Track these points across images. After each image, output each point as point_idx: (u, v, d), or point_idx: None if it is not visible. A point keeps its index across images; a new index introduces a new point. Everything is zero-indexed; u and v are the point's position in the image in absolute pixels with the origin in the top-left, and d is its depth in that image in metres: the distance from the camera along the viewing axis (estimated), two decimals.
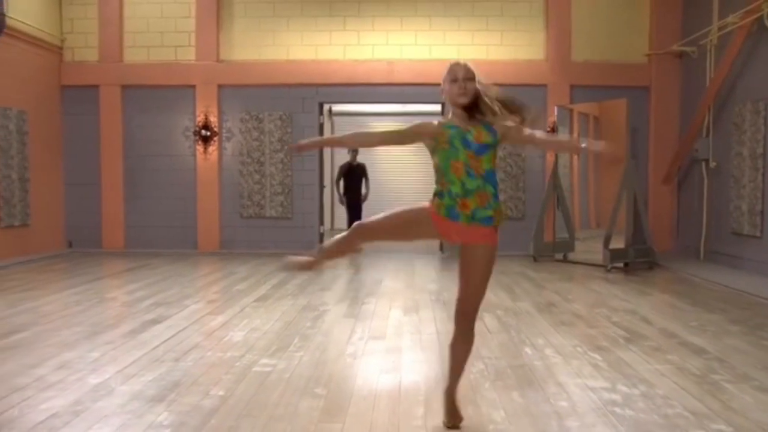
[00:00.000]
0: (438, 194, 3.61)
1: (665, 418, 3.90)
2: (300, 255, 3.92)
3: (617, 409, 4.05)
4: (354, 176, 12.20)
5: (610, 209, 13.61)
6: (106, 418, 3.87)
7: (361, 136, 4.27)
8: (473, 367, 4.92)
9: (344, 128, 15.73)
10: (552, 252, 11.23)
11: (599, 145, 3.94)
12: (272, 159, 12.06)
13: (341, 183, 12.23)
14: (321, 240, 12.34)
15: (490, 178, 3.56)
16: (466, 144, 3.53)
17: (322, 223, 12.46)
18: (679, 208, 11.76)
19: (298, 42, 12.01)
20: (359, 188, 12.25)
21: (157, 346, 5.48)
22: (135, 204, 12.18)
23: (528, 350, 5.44)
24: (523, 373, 4.81)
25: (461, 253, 3.67)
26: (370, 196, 12.44)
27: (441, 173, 3.60)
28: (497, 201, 3.59)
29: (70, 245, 12.24)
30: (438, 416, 3.91)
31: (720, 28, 10.06)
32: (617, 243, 10.03)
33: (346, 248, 3.92)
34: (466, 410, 4.02)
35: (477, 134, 3.55)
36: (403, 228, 3.81)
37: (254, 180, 12.08)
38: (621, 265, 10.00)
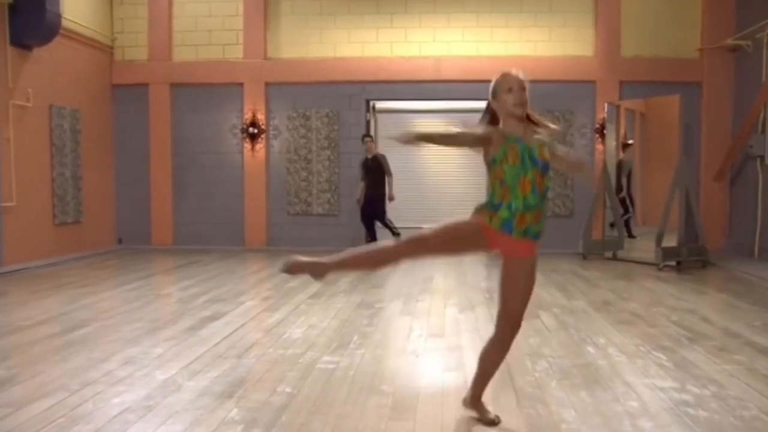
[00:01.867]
0: (494, 206, 3.53)
1: (741, 420, 3.83)
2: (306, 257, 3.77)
3: (690, 410, 3.98)
4: (369, 171, 11.33)
5: (656, 206, 13.41)
6: (177, 414, 3.91)
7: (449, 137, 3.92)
8: (537, 365, 4.90)
9: (388, 126, 15.72)
10: (601, 250, 11.10)
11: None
12: (319, 156, 12.10)
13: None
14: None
15: (547, 195, 3.62)
16: (533, 161, 3.50)
17: None
18: (731, 206, 11.53)
19: (345, 39, 12.04)
20: (376, 184, 11.29)
21: (219, 343, 5.53)
22: (183, 201, 12.31)
23: (590, 349, 5.38)
24: (589, 372, 4.76)
25: (506, 265, 3.64)
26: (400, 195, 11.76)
27: (506, 187, 3.50)
28: (545, 217, 3.64)
29: (120, 242, 12.42)
30: (508, 415, 3.89)
31: None
32: (668, 241, 9.87)
33: (379, 262, 3.84)
34: (535, 408, 4.02)
35: (540, 151, 3.53)
36: (453, 243, 3.72)
37: (301, 177, 12.13)
38: (673, 263, 9.83)
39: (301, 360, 5.04)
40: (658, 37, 11.57)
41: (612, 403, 4.12)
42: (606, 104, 11.34)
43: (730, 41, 11.04)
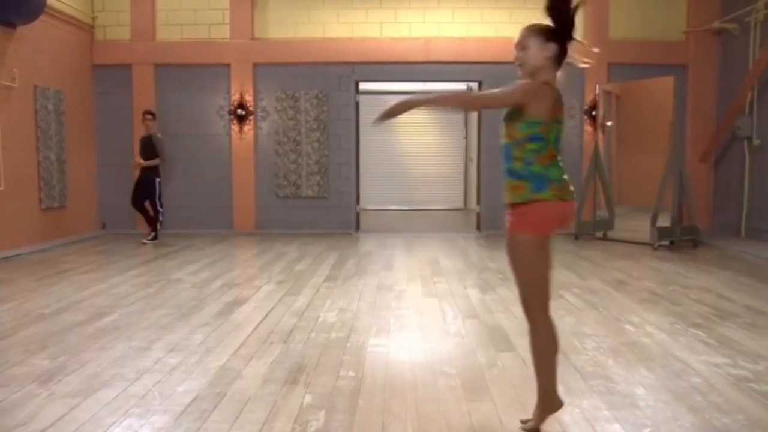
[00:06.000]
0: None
1: None
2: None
3: (754, 385, 4.06)
4: (143, 150, 10.91)
5: (632, 187, 13.59)
6: (252, 401, 3.83)
7: (464, 96, 3.73)
8: (586, 344, 4.94)
9: (369, 108, 15.61)
10: (592, 230, 11.24)
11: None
12: (308, 138, 11.95)
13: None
14: (358, 219, 12.30)
15: (505, 153, 3.33)
16: None
17: (358, 202, 12.38)
18: (715, 186, 11.78)
19: (334, 19, 11.87)
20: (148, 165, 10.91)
21: (257, 328, 5.45)
22: (169, 185, 12.00)
23: (629, 327, 5.45)
24: (638, 349, 4.82)
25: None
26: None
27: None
28: (511, 178, 3.31)
29: (104, 227, 12.10)
30: (580, 393, 3.92)
31: (767, 5, 10.03)
32: (644, 219, 10.10)
33: None
34: (605, 386, 4.05)
35: None
36: None
37: (290, 159, 11.98)
38: (667, 243, 10.04)
39: (348, 344, 4.99)
40: (646, 20, 11.69)
41: (675, 380, 4.17)
42: (597, 86, 11.44)
43: (716, 24, 11.22)
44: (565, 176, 3.32)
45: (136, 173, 11.10)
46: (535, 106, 3.19)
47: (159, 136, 10.98)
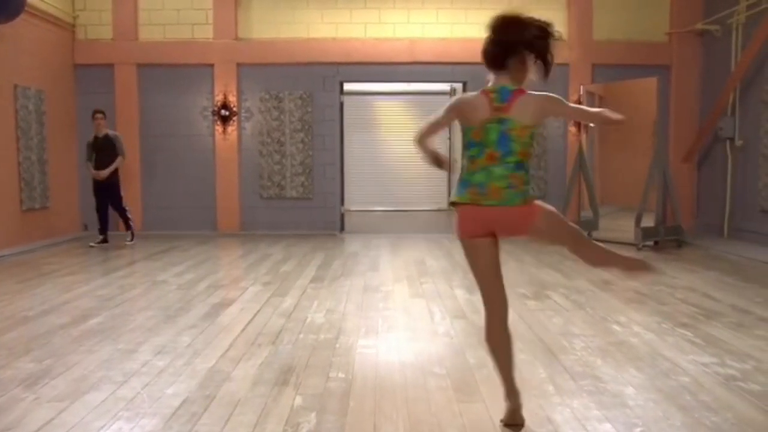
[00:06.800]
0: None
1: None
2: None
3: (742, 384, 4.08)
4: (100, 151, 10.43)
5: (615, 186, 13.65)
6: (242, 403, 3.80)
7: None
8: (574, 344, 4.95)
9: (353, 108, 15.59)
10: None
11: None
12: (293, 139, 11.91)
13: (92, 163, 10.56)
14: (342, 220, 12.28)
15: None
16: None
17: (342, 203, 12.35)
18: (698, 187, 11.87)
19: (318, 20, 11.83)
20: (107, 166, 10.42)
21: (245, 330, 5.41)
22: (152, 185, 11.96)
23: (616, 327, 5.47)
24: (627, 349, 4.83)
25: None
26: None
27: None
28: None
29: (86, 228, 11.96)
30: (571, 393, 3.92)
31: (748, 7, 10.13)
32: (627, 219, 10.16)
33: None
34: (594, 386, 4.05)
35: None
36: None
37: (274, 160, 11.93)
38: (651, 243, 10.09)
39: (337, 345, 4.97)
40: (630, 21, 11.76)
41: (664, 379, 4.19)
42: (582, 87, 11.49)
43: (698, 26, 11.31)
44: (498, 182, 3.27)
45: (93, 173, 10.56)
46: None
47: (116, 133, 10.66)
